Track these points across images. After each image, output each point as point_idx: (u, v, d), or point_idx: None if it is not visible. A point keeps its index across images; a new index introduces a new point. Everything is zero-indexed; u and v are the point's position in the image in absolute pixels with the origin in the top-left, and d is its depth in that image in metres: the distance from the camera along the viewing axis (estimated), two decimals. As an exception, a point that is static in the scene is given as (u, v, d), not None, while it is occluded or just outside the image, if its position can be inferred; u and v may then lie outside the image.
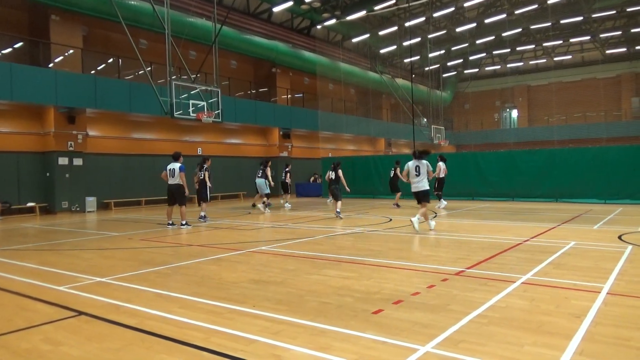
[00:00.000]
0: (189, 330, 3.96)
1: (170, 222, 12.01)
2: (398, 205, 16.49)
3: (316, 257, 7.26)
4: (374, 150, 35.57)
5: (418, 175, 10.06)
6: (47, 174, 17.78)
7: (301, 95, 29.88)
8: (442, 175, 16.01)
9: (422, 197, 10.15)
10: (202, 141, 23.75)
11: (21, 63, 16.84)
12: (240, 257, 7.49)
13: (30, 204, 17.33)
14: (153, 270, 6.51)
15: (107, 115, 19.50)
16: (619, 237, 8.59)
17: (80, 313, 4.53)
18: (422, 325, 3.94)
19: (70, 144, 17.98)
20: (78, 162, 18.20)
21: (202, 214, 13.21)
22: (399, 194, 17.05)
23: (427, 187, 10.19)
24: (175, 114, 15.61)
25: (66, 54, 18.40)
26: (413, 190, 10.23)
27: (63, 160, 17.75)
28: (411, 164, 10.14)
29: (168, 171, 11.89)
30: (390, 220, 12.57)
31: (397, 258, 7.00)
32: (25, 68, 16.34)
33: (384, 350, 3.42)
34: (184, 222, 11.83)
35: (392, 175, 17.15)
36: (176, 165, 11.83)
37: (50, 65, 17.90)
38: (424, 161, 10.13)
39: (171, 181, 11.82)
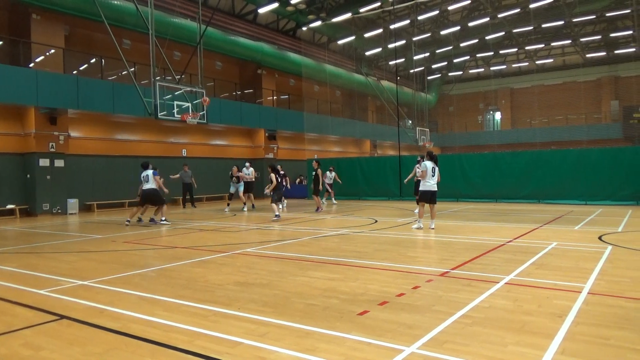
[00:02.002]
0: (173, 333, 3.92)
1: (128, 221, 12.85)
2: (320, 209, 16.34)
3: (302, 258, 7.25)
4: (360, 151, 35.69)
5: (434, 176, 10.68)
6: (28, 176, 17.44)
7: (287, 96, 29.85)
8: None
9: (435, 197, 10.73)
10: (186, 142, 23.56)
11: (1, 63, 16.49)
12: (226, 259, 7.45)
13: (10, 206, 16.99)
14: (137, 273, 6.44)
15: (89, 116, 19.22)
16: (599, 238, 8.75)
17: (62, 317, 4.46)
18: (407, 326, 3.96)
19: (52, 145, 17.68)
20: (59, 163, 17.89)
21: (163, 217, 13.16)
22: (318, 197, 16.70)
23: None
24: (160, 115, 15.46)
25: (47, 53, 18.09)
26: (429, 189, 10.60)
27: (44, 162, 17.44)
28: (429, 165, 10.63)
29: (142, 178, 12.83)
30: (376, 221, 12.62)
31: (382, 259, 7.03)
32: (5, 68, 16.00)
33: (369, 351, 3.44)
34: (163, 219, 12.71)
35: (327, 177, 16.46)
36: (149, 172, 12.75)
37: (31, 65, 17.58)
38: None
39: (146, 186, 12.71)
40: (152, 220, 13.43)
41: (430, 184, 10.57)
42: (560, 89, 41.38)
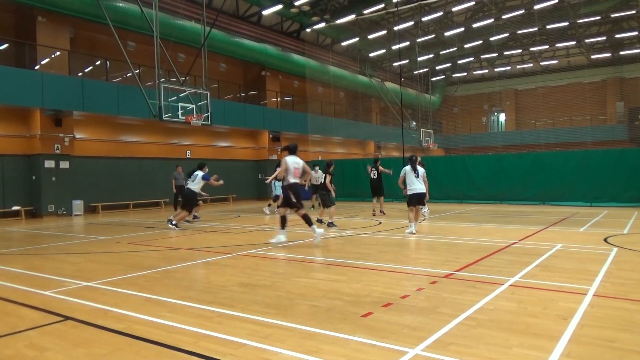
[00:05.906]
0: (177, 334, 3.93)
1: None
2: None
3: (306, 260, 7.25)
4: (364, 153, 35.64)
5: (417, 177, 10.82)
6: (33, 177, 17.54)
7: (291, 98, 29.90)
8: None
9: (420, 200, 10.80)
10: (191, 144, 23.63)
11: (7, 65, 16.60)
12: (230, 260, 7.46)
13: (15, 208, 17.08)
14: (141, 274, 6.45)
15: (94, 117, 19.31)
16: (605, 240, 8.70)
17: (67, 318, 4.48)
18: (412, 328, 3.96)
19: (57, 146, 17.77)
20: (65, 165, 17.99)
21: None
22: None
23: None
24: (164, 116, 15.52)
25: (53, 55, 18.19)
26: (415, 192, 10.62)
27: (49, 163, 17.53)
28: (408, 169, 10.90)
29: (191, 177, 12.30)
30: (380, 223, 12.60)
31: (386, 261, 7.02)
32: (11, 70, 16.11)
33: (373, 353, 3.43)
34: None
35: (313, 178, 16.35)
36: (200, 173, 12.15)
37: (37, 67, 17.68)
38: None
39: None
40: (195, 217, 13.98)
41: (414, 187, 10.30)
42: (565, 90, 41.24)
